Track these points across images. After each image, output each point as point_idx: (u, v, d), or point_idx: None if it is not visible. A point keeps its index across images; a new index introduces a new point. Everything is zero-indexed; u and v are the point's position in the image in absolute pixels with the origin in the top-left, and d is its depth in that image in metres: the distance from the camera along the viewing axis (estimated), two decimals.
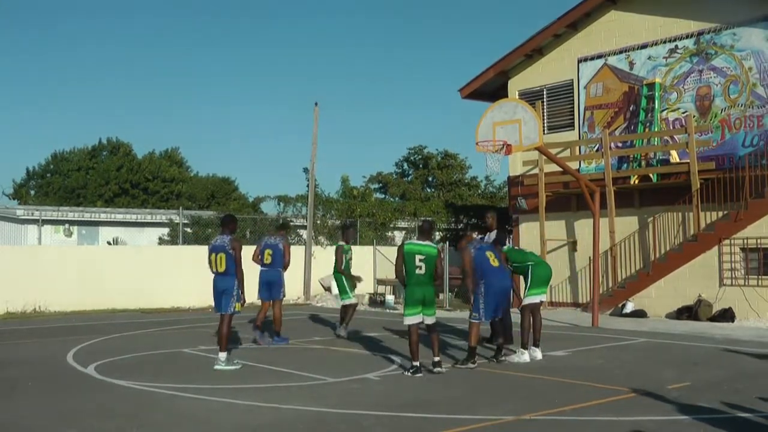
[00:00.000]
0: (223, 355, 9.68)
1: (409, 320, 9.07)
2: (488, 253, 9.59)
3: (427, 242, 9.12)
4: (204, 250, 19.34)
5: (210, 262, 9.86)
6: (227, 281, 9.78)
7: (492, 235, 11.97)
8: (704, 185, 16.30)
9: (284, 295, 12.39)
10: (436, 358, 9.13)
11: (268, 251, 12.30)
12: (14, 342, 12.74)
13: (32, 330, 14.72)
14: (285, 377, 9.03)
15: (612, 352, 11.17)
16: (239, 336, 12.69)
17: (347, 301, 13.19)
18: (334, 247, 14.16)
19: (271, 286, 12.23)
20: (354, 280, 13.32)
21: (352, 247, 14.06)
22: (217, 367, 9.60)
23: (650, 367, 9.68)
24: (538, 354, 10.32)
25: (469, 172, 35.66)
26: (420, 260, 8.88)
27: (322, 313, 18.23)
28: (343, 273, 13.18)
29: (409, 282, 8.99)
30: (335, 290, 21.86)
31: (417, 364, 9.04)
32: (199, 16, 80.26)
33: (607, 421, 6.72)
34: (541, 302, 10.64)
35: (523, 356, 10.13)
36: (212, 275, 9.94)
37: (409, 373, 9.02)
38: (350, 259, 13.45)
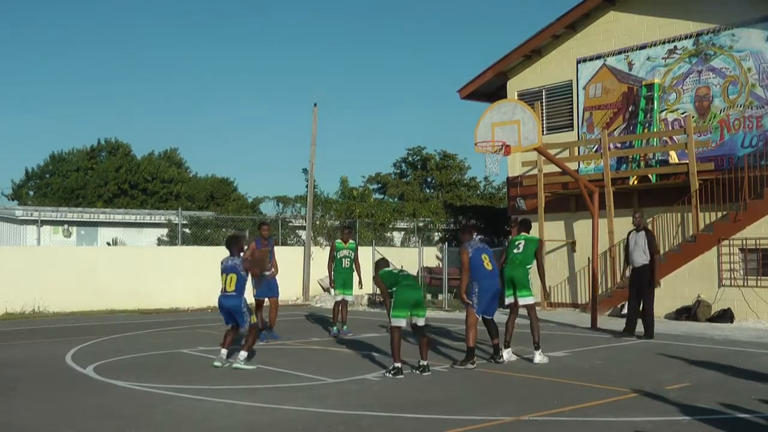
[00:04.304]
0: (243, 354, 9.73)
1: (397, 322, 9.08)
2: (483, 256, 9.83)
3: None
4: (203, 250, 19.40)
5: (222, 282, 9.92)
6: (234, 300, 9.82)
7: (640, 235, 12.63)
8: (703, 186, 16.31)
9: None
10: (423, 362, 9.09)
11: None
12: (13, 343, 12.73)
13: (31, 331, 14.71)
14: (284, 378, 9.03)
15: (611, 353, 11.17)
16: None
17: (337, 298, 13.59)
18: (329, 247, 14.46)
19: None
20: (329, 279, 13.70)
21: (357, 246, 14.11)
22: (235, 365, 9.63)
23: (649, 368, 9.68)
24: (536, 357, 10.15)
25: (468, 172, 35.72)
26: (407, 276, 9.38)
27: (320, 314, 18.22)
28: (329, 269, 13.64)
29: (401, 283, 9.15)
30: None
31: (398, 365, 8.99)
32: (198, 15, 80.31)
33: (606, 421, 6.72)
34: (516, 303, 10.33)
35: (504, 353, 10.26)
36: (219, 292, 9.94)
37: (390, 375, 8.96)
38: (344, 257, 13.61)
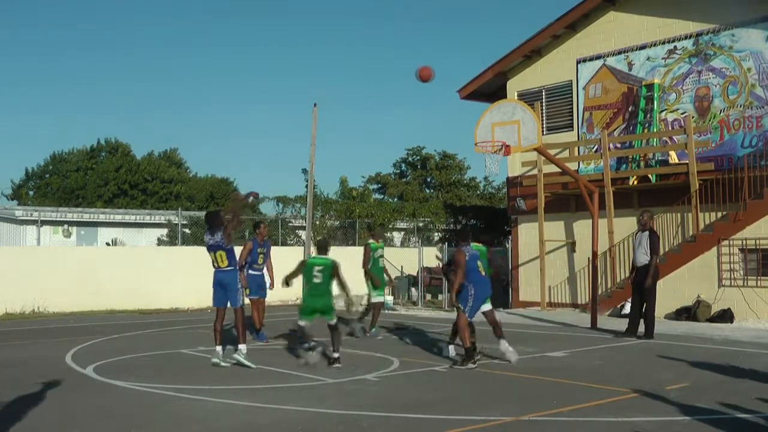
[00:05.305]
0: (243, 347, 9.77)
1: (302, 322, 10.04)
2: (479, 262, 10.07)
3: (323, 256, 10.07)
4: (203, 250, 19.35)
5: (212, 260, 9.99)
6: (230, 275, 9.91)
7: (644, 235, 12.62)
8: (703, 186, 16.30)
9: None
10: (335, 354, 9.77)
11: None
12: (13, 343, 12.73)
13: (31, 331, 14.71)
14: (284, 378, 9.03)
15: (611, 353, 11.18)
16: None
17: (375, 300, 13.31)
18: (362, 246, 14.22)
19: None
20: (376, 281, 13.31)
21: (384, 246, 14.03)
22: (235, 355, 9.70)
23: (649, 368, 9.68)
24: (501, 345, 10.20)
25: (468, 172, 35.76)
26: (318, 271, 9.85)
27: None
28: (366, 271, 13.26)
29: (306, 294, 10.04)
30: (334, 290, 21.92)
31: (312, 343, 10.01)
32: (198, 15, 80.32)
33: (606, 422, 6.73)
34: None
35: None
36: (213, 270, 10.05)
37: (316, 353, 9.94)
38: (380, 257, 13.46)
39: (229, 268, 9.90)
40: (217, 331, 9.99)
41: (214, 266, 9.99)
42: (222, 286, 9.95)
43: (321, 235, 24.01)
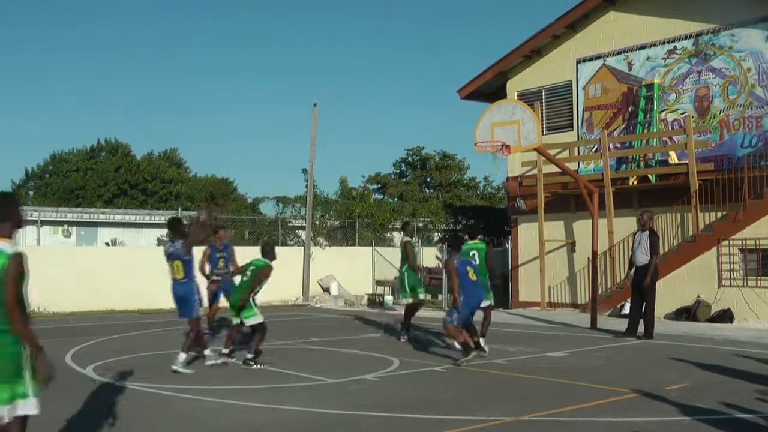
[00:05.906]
0: (182, 356, 9.53)
1: (234, 320, 10.23)
2: (468, 268, 10.13)
3: (264, 259, 10.27)
4: (202, 250, 19.39)
5: (169, 269, 9.80)
6: (186, 287, 9.76)
7: (644, 235, 12.64)
8: (703, 186, 16.29)
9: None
10: (249, 355, 9.89)
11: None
12: None
13: None
14: (283, 378, 9.03)
15: (611, 353, 11.18)
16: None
17: (421, 298, 12.78)
18: (401, 244, 13.34)
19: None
20: (425, 279, 13.15)
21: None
22: (174, 367, 9.38)
23: (649, 368, 9.69)
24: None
25: (467, 172, 35.74)
26: (250, 270, 10.15)
27: (320, 314, 18.22)
28: (416, 268, 12.72)
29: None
30: (334, 290, 21.92)
31: (226, 351, 10.08)
32: (198, 15, 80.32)
33: (606, 422, 6.73)
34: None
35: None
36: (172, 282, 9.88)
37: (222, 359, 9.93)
38: (416, 254, 13.12)
39: (184, 281, 9.73)
40: (198, 339, 9.98)
41: (171, 277, 9.80)
42: (178, 299, 9.83)
43: (321, 235, 24.02)
